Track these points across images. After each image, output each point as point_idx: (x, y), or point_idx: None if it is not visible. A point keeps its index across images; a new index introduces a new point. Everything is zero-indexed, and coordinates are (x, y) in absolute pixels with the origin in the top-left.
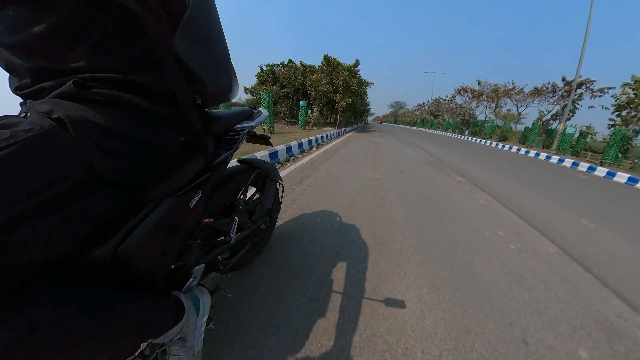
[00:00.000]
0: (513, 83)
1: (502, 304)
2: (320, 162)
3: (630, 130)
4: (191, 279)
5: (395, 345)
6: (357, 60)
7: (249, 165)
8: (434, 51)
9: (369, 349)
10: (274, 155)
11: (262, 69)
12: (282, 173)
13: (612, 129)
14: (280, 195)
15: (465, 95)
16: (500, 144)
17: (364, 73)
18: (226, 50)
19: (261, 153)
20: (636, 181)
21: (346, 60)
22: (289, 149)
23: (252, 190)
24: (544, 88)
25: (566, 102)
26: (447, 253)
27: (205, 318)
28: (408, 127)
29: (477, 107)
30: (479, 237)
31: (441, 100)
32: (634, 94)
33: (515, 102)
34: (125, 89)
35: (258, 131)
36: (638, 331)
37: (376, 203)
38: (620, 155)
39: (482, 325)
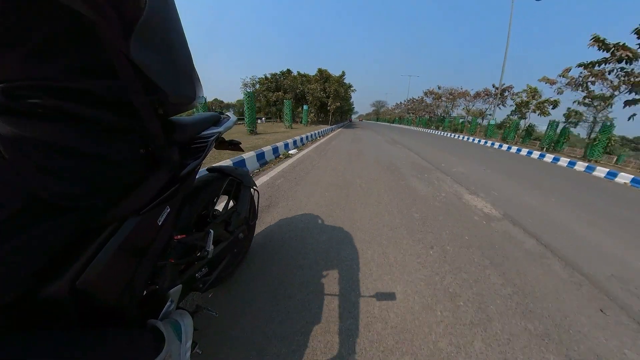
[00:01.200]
0: (461, 88)
1: (396, 163)
2: (330, 142)
3: (520, 120)
4: (168, 303)
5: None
6: (343, 72)
7: (220, 173)
8: (411, 55)
9: None
10: (302, 140)
11: (266, 77)
12: (313, 146)
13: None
14: (256, 202)
15: (431, 97)
16: (453, 134)
17: (349, 74)
18: (189, 55)
19: (292, 136)
20: (509, 148)
21: (333, 66)
22: (307, 137)
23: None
24: (482, 92)
25: (496, 102)
26: (388, 166)
27: (190, 343)
28: (388, 124)
29: (437, 107)
30: (400, 160)
31: (414, 100)
32: (526, 98)
33: (466, 103)
34: (72, 99)
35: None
36: (425, 163)
37: (358, 153)
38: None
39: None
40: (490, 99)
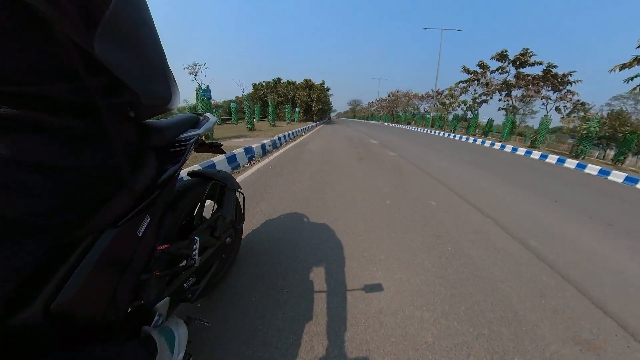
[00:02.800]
0: (409, 91)
1: (352, 138)
2: (318, 132)
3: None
4: (156, 318)
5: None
6: (323, 81)
7: (201, 177)
8: (383, 59)
9: None
10: (297, 132)
11: (261, 84)
12: (313, 131)
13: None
14: (242, 204)
15: (392, 97)
16: (407, 126)
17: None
18: (162, 54)
19: (291, 129)
20: (440, 134)
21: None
22: (305, 129)
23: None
24: (428, 94)
25: (434, 102)
26: (349, 138)
27: (182, 355)
28: (362, 120)
29: (396, 106)
30: (354, 137)
31: (382, 100)
32: (448, 100)
33: (419, 102)
34: (29, 106)
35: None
36: (367, 138)
37: (335, 139)
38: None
39: (370, 154)
40: (431, 100)
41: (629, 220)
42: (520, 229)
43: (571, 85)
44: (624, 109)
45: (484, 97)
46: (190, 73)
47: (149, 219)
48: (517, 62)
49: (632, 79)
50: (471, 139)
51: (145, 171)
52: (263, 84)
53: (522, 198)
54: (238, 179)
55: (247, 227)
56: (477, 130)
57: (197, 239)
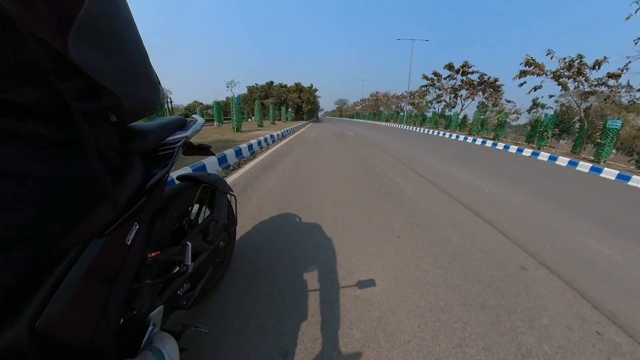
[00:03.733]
0: (388, 92)
1: (335, 131)
2: (308, 129)
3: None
4: (150, 328)
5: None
6: (312, 84)
7: (191, 180)
8: (368, 61)
9: None
10: (293, 129)
11: (256, 87)
12: (305, 127)
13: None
14: (234, 207)
15: (373, 98)
16: (385, 123)
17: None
18: (144, 54)
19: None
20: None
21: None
22: (298, 127)
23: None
24: (403, 95)
25: (407, 101)
26: (333, 132)
27: None
28: (348, 119)
29: (378, 106)
30: (337, 131)
31: (365, 99)
32: (417, 100)
33: (396, 102)
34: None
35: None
36: (347, 132)
37: (323, 132)
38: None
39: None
40: (404, 100)
41: (507, 171)
42: (424, 170)
43: (499, 88)
44: (571, 104)
45: (441, 98)
46: (227, 87)
47: (137, 226)
48: (460, 71)
49: (521, 85)
50: (435, 132)
51: (131, 177)
52: (257, 86)
53: (432, 158)
54: (274, 147)
55: (290, 167)
56: (439, 124)
57: (189, 244)
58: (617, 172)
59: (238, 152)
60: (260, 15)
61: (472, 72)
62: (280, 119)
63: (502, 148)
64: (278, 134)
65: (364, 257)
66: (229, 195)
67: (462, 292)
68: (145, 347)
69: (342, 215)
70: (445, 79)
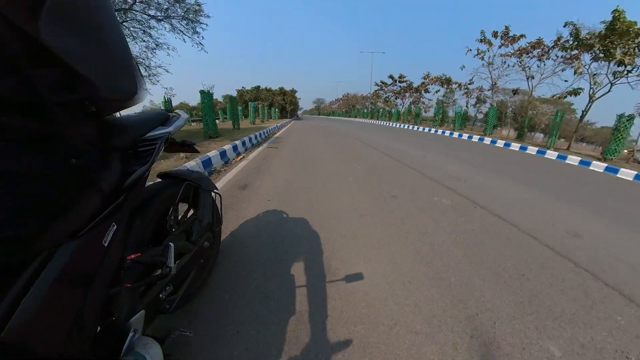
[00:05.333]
0: (357, 93)
1: (314, 126)
2: (293, 125)
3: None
4: (131, 334)
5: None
6: (293, 88)
7: (173, 178)
8: (345, 61)
9: None
10: (285, 123)
11: (244, 89)
12: (292, 121)
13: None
14: (219, 205)
15: (345, 98)
16: (355, 119)
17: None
18: (125, 45)
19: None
20: (398, 125)
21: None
22: (287, 122)
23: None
24: (367, 94)
25: (371, 100)
26: (314, 126)
27: None
28: (325, 116)
29: (352, 104)
30: (317, 125)
31: (339, 99)
32: (373, 100)
33: (362, 101)
34: None
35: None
36: (320, 124)
37: (305, 126)
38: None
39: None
40: (368, 99)
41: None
42: (378, 145)
43: (422, 91)
44: (505, 99)
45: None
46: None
47: (115, 226)
48: (398, 80)
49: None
50: (385, 123)
51: (109, 174)
52: (244, 90)
53: (380, 137)
54: (279, 133)
55: (295, 142)
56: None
57: (172, 245)
58: (537, 148)
59: (268, 131)
60: (242, 20)
61: (405, 81)
62: (272, 117)
63: (421, 130)
64: (277, 126)
65: (334, 167)
66: (213, 194)
67: (370, 172)
68: (127, 354)
69: (320, 150)
70: (389, 85)
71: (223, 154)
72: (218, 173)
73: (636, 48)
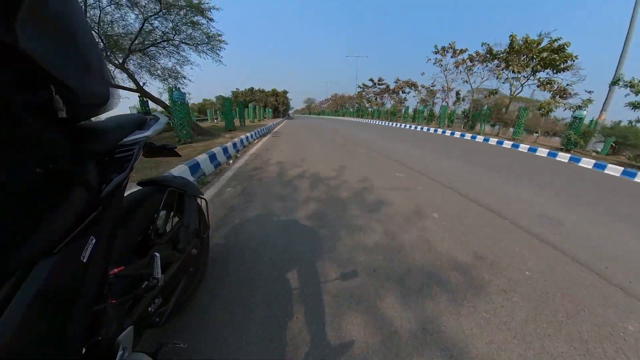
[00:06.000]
0: (344, 93)
1: (302, 124)
2: (286, 124)
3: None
4: (120, 352)
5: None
6: (285, 90)
7: (156, 185)
8: (334, 62)
9: None
10: (279, 122)
11: (238, 90)
12: (285, 120)
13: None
14: (205, 211)
15: (333, 98)
16: (342, 117)
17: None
18: (97, 48)
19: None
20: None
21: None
22: (280, 120)
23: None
24: (348, 94)
25: (355, 101)
26: (303, 124)
27: None
28: (315, 116)
29: (340, 104)
30: (305, 124)
31: (328, 99)
32: (359, 100)
33: (350, 101)
34: None
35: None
36: (308, 122)
37: (294, 123)
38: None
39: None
40: (353, 99)
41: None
42: (357, 138)
43: (398, 92)
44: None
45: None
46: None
47: (94, 240)
48: (377, 83)
49: (407, 92)
50: (377, 122)
51: (82, 184)
52: (239, 91)
53: (354, 130)
54: (276, 129)
55: (289, 134)
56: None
57: (158, 255)
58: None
59: (267, 127)
60: (234, 22)
61: (383, 84)
62: (266, 117)
63: (400, 126)
64: (273, 123)
65: (315, 145)
66: (199, 199)
67: (335, 146)
68: None
69: (307, 137)
70: (370, 87)
71: (247, 137)
72: (249, 145)
73: (527, 61)
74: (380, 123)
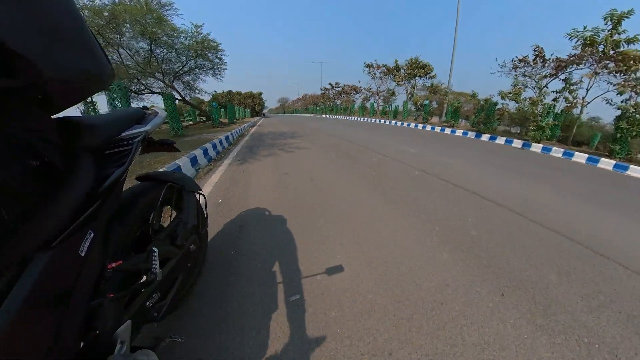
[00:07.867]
0: (313, 93)
1: (278, 121)
2: (263, 122)
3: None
4: (118, 347)
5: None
6: (260, 92)
7: (154, 180)
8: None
9: None
10: (257, 119)
11: (217, 93)
12: (262, 119)
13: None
14: (204, 206)
15: (303, 97)
16: (311, 114)
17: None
18: (75, 14)
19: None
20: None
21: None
22: (258, 119)
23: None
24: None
25: (333, 100)
26: (281, 121)
27: None
28: (289, 114)
29: (312, 103)
30: (282, 121)
31: (299, 98)
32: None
33: (318, 100)
34: None
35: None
36: (281, 119)
37: (272, 120)
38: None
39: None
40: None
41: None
42: (337, 133)
43: (356, 92)
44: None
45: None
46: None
47: (92, 234)
48: (335, 86)
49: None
50: (341, 117)
51: (80, 178)
52: (217, 94)
53: (342, 128)
54: (258, 123)
55: (268, 124)
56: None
57: (156, 250)
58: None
59: (252, 123)
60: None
61: (339, 87)
62: (246, 116)
63: (353, 119)
64: (254, 121)
65: (284, 127)
66: (197, 195)
67: (295, 128)
68: None
69: (280, 124)
70: (329, 90)
71: (246, 127)
72: (246, 132)
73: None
74: (340, 117)
